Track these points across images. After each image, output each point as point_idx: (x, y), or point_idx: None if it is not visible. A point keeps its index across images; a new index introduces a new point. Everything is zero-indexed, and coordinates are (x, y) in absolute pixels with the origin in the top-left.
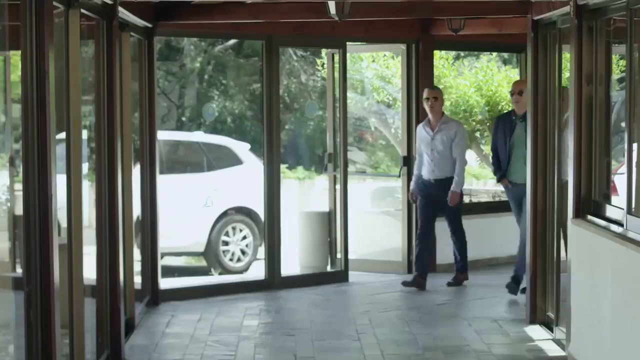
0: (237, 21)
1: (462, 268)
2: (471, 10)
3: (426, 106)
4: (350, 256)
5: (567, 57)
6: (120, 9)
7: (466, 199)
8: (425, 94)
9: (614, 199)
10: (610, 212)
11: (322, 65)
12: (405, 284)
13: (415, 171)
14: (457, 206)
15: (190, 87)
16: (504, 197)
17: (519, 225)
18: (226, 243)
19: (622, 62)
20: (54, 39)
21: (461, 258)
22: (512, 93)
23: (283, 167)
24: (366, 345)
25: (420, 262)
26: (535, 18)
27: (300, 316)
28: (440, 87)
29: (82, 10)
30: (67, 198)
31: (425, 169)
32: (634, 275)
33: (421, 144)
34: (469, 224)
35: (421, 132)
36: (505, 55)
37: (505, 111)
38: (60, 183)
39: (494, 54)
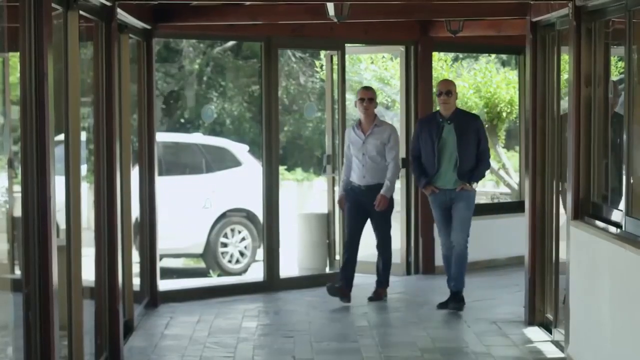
0: (236, 23)
1: (383, 282)
2: (470, 12)
3: (360, 107)
4: None
5: (566, 59)
6: (119, 10)
7: None
8: (360, 94)
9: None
10: (608, 213)
11: (321, 66)
12: (330, 290)
13: (343, 176)
14: (387, 216)
15: (189, 89)
16: (503, 199)
17: (443, 235)
18: (225, 245)
19: (621, 64)
20: (52, 41)
21: (384, 272)
22: (439, 93)
23: (282, 168)
24: (365, 347)
25: (345, 272)
26: (534, 20)
27: (298, 318)
28: None
29: (81, 12)
30: (65, 200)
31: (356, 175)
32: (632, 277)
33: (351, 147)
34: None
35: (352, 135)
36: (504, 56)
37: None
38: (59, 185)
39: (493, 55)
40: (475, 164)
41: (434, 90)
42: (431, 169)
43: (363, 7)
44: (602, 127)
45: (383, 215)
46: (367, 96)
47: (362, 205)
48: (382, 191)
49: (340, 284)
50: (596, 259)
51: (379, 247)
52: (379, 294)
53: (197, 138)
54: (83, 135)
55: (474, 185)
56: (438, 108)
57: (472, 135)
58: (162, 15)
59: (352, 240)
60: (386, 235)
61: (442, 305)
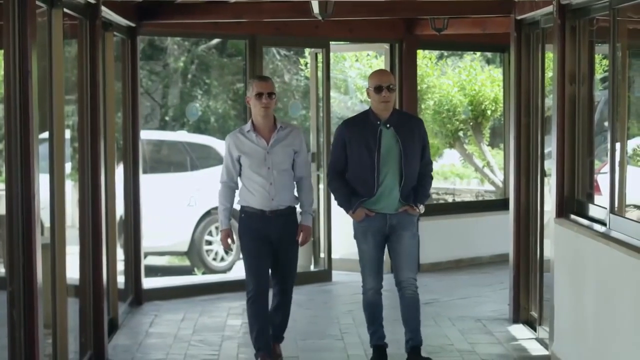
0: (221, 21)
1: (280, 338)
2: (454, 10)
3: (257, 106)
4: (334, 255)
5: (550, 57)
6: (103, 8)
7: (449, 199)
8: (257, 88)
9: (597, 199)
10: (593, 211)
11: (306, 64)
12: None
13: (225, 203)
14: (297, 254)
15: (174, 87)
16: (488, 197)
17: (373, 274)
18: (209, 242)
19: (605, 62)
20: (36, 39)
21: (282, 326)
22: (378, 88)
23: None
24: (349, 345)
25: (263, 341)
26: (519, 18)
27: None
28: (424, 86)
29: (65, 10)
30: (50, 198)
31: (257, 198)
32: (616, 275)
33: (246, 161)
34: (453, 223)
35: (246, 144)
36: (489, 54)
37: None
38: (43, 183)
39: (478, 53)
40: (419, 180)
41: (368, 85)
42: (368, 188)
43: (347, 5)
44: (587, 124)
45: (295, 254)
46: (268, 90)
47: (267, 240)
48: (305, 221)
49: (261, 353)
50: (580, 256)
51: (280, 295)
52: (278, 353)
53: (181, 136)
54: (67, 133)
55: (421, 208)
56: (370, 106)
57: (417, 144)
58: (147, 13)
59: (262, 290)
60: (293, 279)
61: None
